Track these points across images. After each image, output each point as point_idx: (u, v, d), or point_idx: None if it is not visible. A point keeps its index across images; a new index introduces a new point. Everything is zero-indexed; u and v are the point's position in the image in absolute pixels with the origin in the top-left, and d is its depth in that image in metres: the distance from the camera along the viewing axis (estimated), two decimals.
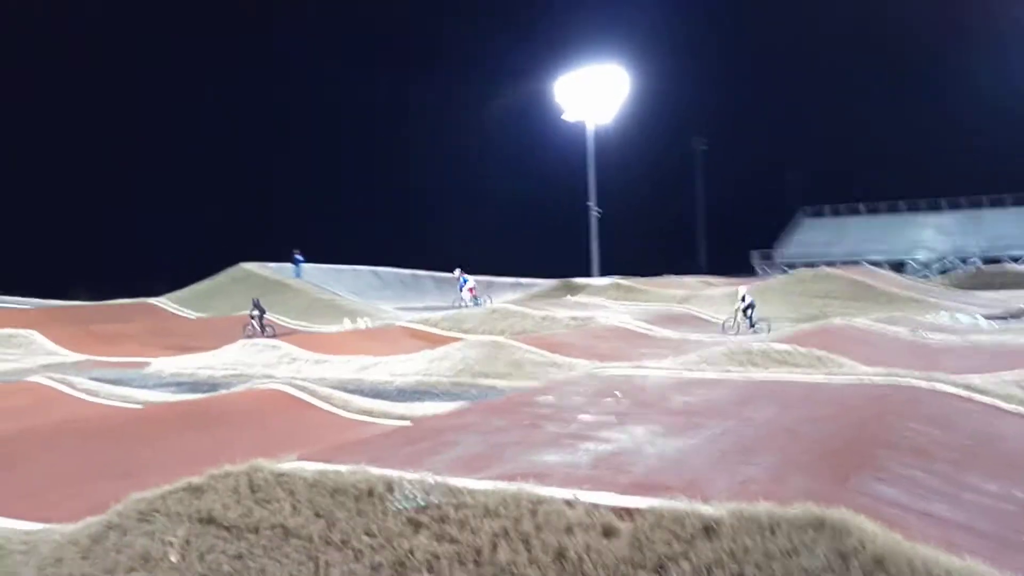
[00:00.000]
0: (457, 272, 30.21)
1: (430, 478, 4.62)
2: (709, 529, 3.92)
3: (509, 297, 36.47)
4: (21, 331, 23.14)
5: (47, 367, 18.19)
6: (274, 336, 22.25)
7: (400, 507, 4.39)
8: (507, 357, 15.23)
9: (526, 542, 4.07)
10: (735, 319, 22.36)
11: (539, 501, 4.29)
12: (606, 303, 29.29)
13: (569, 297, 32.22)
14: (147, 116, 70.16)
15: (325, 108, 76.62)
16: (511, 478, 4.64)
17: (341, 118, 76.26)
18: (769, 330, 21.07)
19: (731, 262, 56.35)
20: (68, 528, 5.35)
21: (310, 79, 77.59)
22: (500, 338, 16.94)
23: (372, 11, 71.48)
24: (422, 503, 4.38)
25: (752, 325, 21.85)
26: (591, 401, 7.70)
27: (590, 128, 53.31)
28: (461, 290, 28.07)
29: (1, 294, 36.53)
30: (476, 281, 30.53)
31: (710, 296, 31.24)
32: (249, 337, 21.92)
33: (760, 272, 56.19)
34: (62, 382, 13.26)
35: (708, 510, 4.04)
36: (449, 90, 75.08)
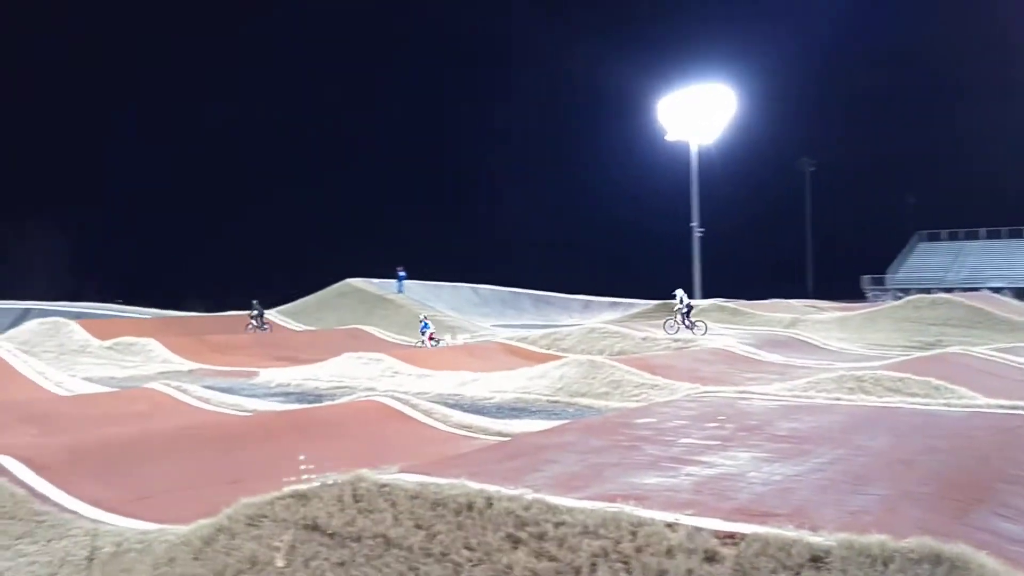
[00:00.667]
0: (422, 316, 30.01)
1: (529, 494, 4.62)
2: (817, 559, 3.79)
3: (608, 317, 36.28)
4: (141, 340, 24.36)
5: (164, 374, 19.11)
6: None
7: None
8: (605, 377, 15.15)
9: (626, 563, 4.03)
10: (675, 320, 25.11)
11: (639, 523, 4.23)
12: (709, 325, 28.80)
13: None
14: (258, 136, 73.05)
15: (429, 129, 78.28)
16: (611, 499, 4.59)
17: (444, 139, 77.76)
18: (705, 331, 23.87)
19: (840, 286, 54.44)
20: (181, 529, 5.58)
21: (416, 100, 79.45)
22: (598, 358, 16.87)
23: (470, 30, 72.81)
24: None
25: (691, 327, 24.49)
26: (693, 424, 7.57)
27: (693, 148, 52.64)
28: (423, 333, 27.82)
29: (124, 304, 38.67)
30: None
31: (819, 321, 30.32)
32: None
33: (871, 297, 54.07)
34: (178, 389, 13.86)
35: (817, 539, 3.89)
36: (548, 111, 75.69)
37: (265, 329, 28.50)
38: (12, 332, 25.92)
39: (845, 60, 69.76)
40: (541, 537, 4.29)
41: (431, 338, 27.23)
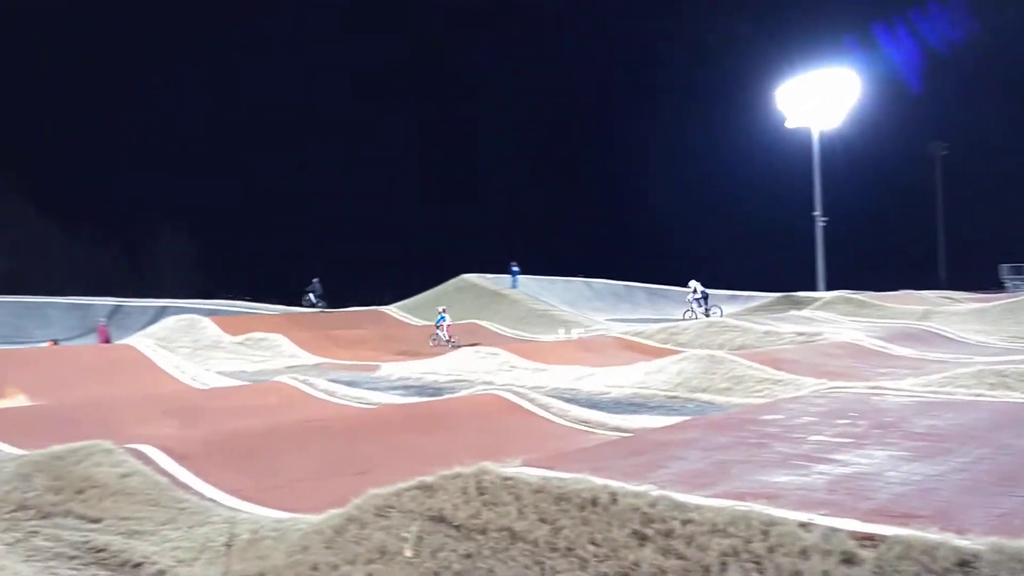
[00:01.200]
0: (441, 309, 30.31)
1: (654, 491, 4.56)
2: (965, 564, 3.58)
3: (726, 311, 35.51)
4: (270, 335, 25.40)
5: (291, 368, 19.86)
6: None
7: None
8: (726, 372, 14.81)
9: (757, 563, 3.92)
10: (691, 309, 27.10)
11: (771, 522, 4.11)
12: (835, 318, 27.75)
13: (793, 312, 30.85)
14: (375, 135, 74.91)
15: (544, 124, 78.41)
16: (740, 497, 4.48)
17: (559, 133, 77.73)
18: (721, 313, 25.61)
19: (976, 276, 51.48)
20: (313, 519, 5.77)
21: (532, 96, 79.73)
22: (718, 352, 16.50)
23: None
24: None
25: (707, 313, 26.10)
26: (823, 421, 7.30)
27: (815, 135, 50.81)
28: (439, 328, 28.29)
29: (254, 301, 40.41)
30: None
31: (954, 312, 28.77)
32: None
33: (1010, 287, 50.96)
34: (304, 383, 14.37)
35: (964, 543, 3.68)
36: (666, 100, 74.58)
37: (319, 305, 29.94)
38: (151, 328, 27.47)
39: (979, 34, 65.84)
40: (668, 534, 4.23)
41: (448, 335, 27.34)
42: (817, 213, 50.21)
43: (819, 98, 49.45)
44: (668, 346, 21.48)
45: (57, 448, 7.86)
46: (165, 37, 68.50)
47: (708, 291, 27.97)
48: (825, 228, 49.94)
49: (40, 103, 64.52)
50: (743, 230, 65.12)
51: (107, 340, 27.25)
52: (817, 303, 33.58)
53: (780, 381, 14.02)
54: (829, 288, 43.57)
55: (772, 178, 60.20)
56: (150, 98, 69.78)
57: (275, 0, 72.64)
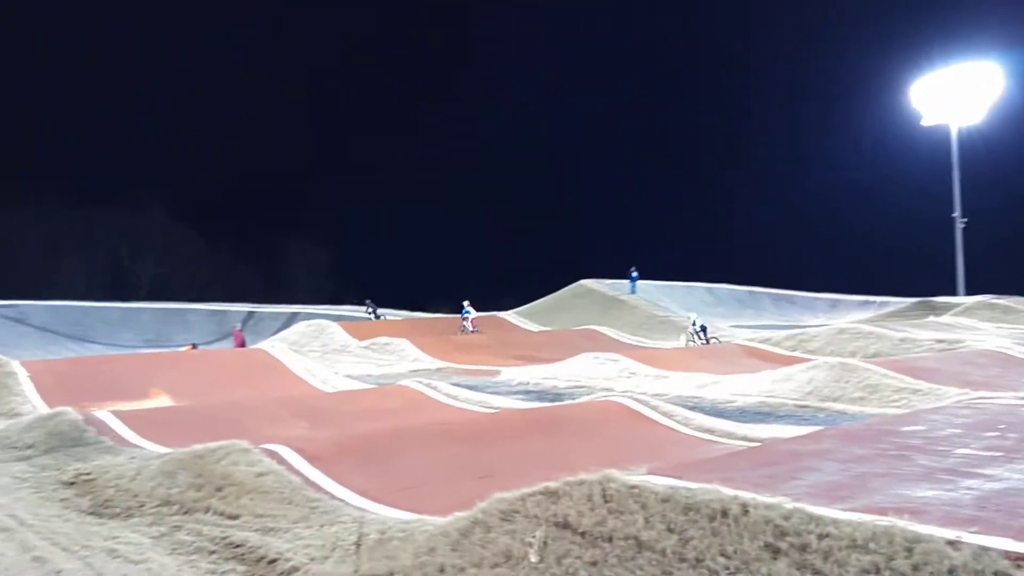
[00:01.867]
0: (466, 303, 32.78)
1: (788, 503, 4.39)
2: None
3: (859, 317, 34.08)
4: (394, 340, 26.04)
5: (415, 372, 20.29)
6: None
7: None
8: (860, 381, 14.19)
9: None
10: (692, 340, 26.57)
11: (916, 539, 3.89)
12: (978, 324, 26.20)
13: (932, 317, 29.34)
14: (494, 143, 75.80)
15: (663, 126, 77.52)
16: (881, 512, 4.25)
17: (678, 134, 76.65)
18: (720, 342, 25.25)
19: None
20: (439, 521, 5.84)
21: (652, 101, 78.99)
22: (851, 360, 15.83)
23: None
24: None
25: (707, 342, 25.86)
26: (969, 433, 6.88)
27: (954, 132, 48.14)
28: (464, 320, 31.73)
29: (380, 307, 41.53)
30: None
31: None
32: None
33: None
34: (428, 386, 14.64)
35: None
36: (796, 99, 72.39)
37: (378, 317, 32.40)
38: (283, 333, 28.66)
39: None
40: (804, 548, 4.06)
41: (472, 327, 30.77)
42: (956, 214, 47.59)
43: (958, 94, 46.83)
44: (796, 353, 20.79)
45: (198, 447, 8.28)
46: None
47: (706, 324, 28.22)
48: (965, 229, 47.27)
49: (182, 126, 68.51)
50: (876, 233, 62.50)
51: (242, 344, 28.54)
52: (957, 309, 31.80)
53: (919, 391, 13.32)
54: (970, 293, 41.13)
55: (907, 178, 57.66)
56: (287, 122, 73.11)
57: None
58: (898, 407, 12.46)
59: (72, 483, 8.49)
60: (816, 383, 14.50)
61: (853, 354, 19.29)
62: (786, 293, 45.72)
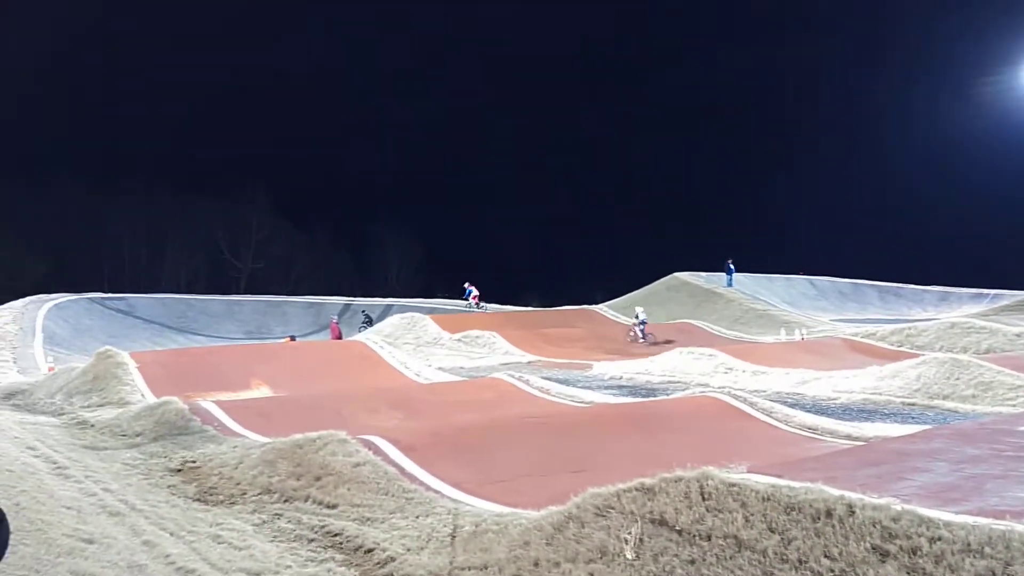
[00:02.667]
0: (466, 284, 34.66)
1: (896, 504, 4.25)
2: None
3: (971, 311, 32.65)
4: (485, 333, 26.21)
5: (506, 365, 20.40)
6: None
7: None
8: (972, 378, 13.57)
9: None
10: (635, 332, 26.99)
11: None
12: None
13: None
14: (584, 137, 75.48)
15: (762, 115, 75.81)
16: (997, 515, 4.08)
17: (772, 123, 74.83)
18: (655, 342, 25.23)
19: None
20: (532, 514, 5.88)
21: (748, 90, 77.36)
22: (963, 356, 15.15)
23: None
24: None
25: (644, 337, 26.33)
26: None
27: None
28: (467, 298, 33.77)
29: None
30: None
31: None
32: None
33: None
34: (519, 379, 14.70)
35: None
36: (904, 85, 69.78)
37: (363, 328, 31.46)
38: (378, 326, 29.18)
39: None
40: (914, 552, 3.93)
41: (476, 302, 32.27)
42: None
43: None
44: (904, 349, 20.04)
45: (298, 437, 8.53)
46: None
47: (646, 320, 27.83)
48: None
49: (282, 122, 70.61)
50: (989, 222, 59.68)
51: (339, 336, 29.18)
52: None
53: None
54: None
55: (1020, 166, 54.82)
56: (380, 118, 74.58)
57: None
58: (1013, 406, 11.90)
59: (179, 470, 8.87)
60: (925, 380, 13.95)
61: (965, 350, 18.47)
62: (892, 285, 44.03)
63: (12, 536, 5.09)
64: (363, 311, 33.91)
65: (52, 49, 62.91)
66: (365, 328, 30.95)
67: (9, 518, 5.54)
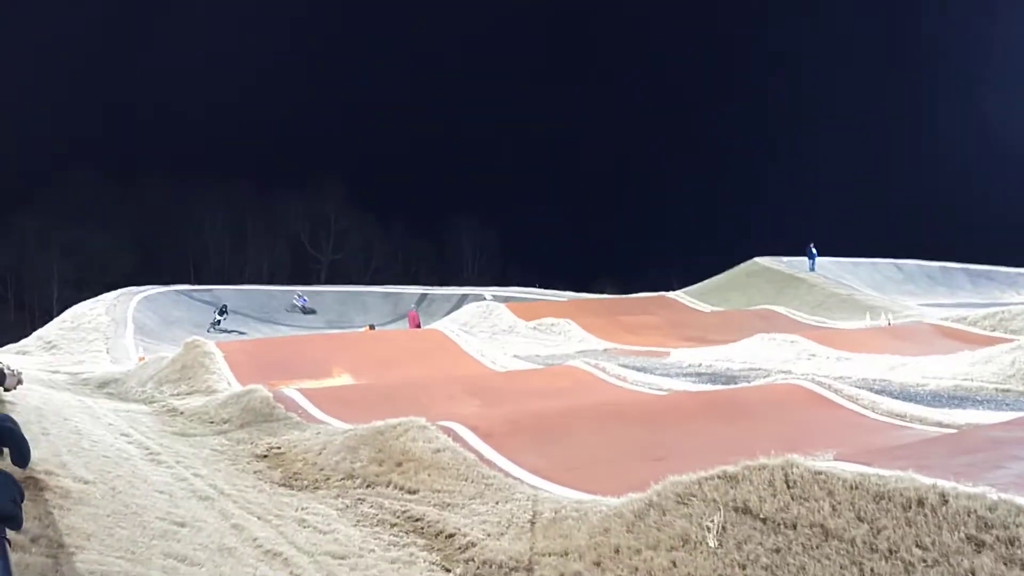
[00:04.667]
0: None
1: (992, 493, 4.11)
2: None
3: None
4: (560, 320, 26.21)
5: (581, 353, 20.34)
6: None
7: None
8: None
9: None
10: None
11: None
12: None
13: None
14: (653, 118, 74.59)
15: (832, 100, 73.73)
16: None
17: (858, 102, 72.71)
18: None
19: None
20: (612, 501, 5.86)
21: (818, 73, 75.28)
22: None
23: None
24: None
25: None
26: None
27: None
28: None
29: (545, 288, 42.04)
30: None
31: None
32: None
33: None
34: (596, 367, 14.66)
35: None
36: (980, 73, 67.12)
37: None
38: (454, 315, 29.50)
39: None
40: (1011, 542, 3.79)
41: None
42: None
43: None
44: (996, 334, 19.27)
45: (379, 423, 8.68)
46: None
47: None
48: None
49: (359, 117, 71.72)
50: None
51: (417, 325, 29.53)
52: None
53: None
54: None
55: None
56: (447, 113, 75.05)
57: None
58: None
59: (264, 456, 9.12)
60: (1020, 366, 13.36)
61: None
62: (984, 268, 42.39)
63: (109, 518, 5.32)
64: (224, 304, 32.19)
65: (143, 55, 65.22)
66: (222, 320, 29.71)
67: (106, 501, 5.80)
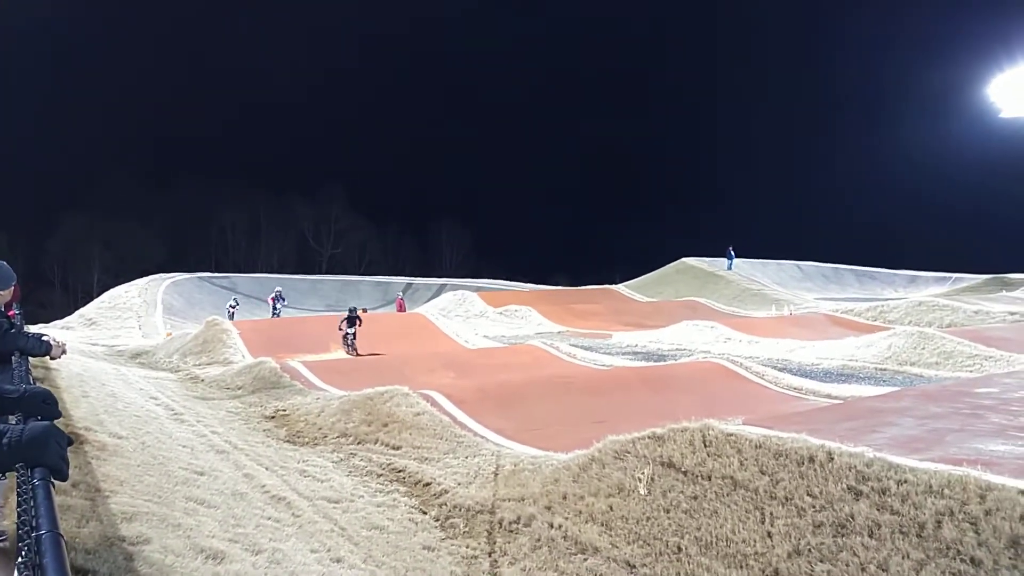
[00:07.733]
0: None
1: (869, 452, 4.20)
2: None
3: (935, 291, 31.92)
4: (522, 307, 26.22)
5: (540, 335, 20.39)
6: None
7: None
8: (935, 348, 13.26)
9: (974, 524, 3.50)
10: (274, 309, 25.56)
11: (988, 487, 3.65)
12: None
13: (1004, 292, 27.11)
14: (610, 137, 74.70)
15: (757, 115, 74.41)
16: (955, 462, 4.01)
17: (762, 119, 73.42)
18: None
19: None
20: (561, 456, 5.89)
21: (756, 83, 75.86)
22: (928, 329, 14.82)
23: None
24: None
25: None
26: None
27: None
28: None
29: (509, 280, 41.96)
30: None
31: None
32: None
33: None
34: (551, 346, 14.70)
35: None
36: (872, 86, 67.98)
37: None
38: (434, 301, 29.40)
39: None
40: (883, 492, 3.88)
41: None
42: None
43: None
44: (877, 323, 19.64)
45: (368, 391, 8.64)
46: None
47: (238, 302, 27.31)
48: None
49: (358, 131, 70.96)
50: (951, 214, 58.16)
51: (403, 309, 29.39)
52: None
53: (991, 357, 12.36)
54: None
55: (983, 166, 53.22)
56: (444, 124, 74.49)
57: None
58: (971, 371, 11.62)
59: (272, 417, 9.03)
60: (895, 349, 13.67)
61: (930, 324, 18.07)
62: (868, 270, 43.18)
63: (139, 468, 5.24)
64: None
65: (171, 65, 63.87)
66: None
67: (136, 453, 5.71)
